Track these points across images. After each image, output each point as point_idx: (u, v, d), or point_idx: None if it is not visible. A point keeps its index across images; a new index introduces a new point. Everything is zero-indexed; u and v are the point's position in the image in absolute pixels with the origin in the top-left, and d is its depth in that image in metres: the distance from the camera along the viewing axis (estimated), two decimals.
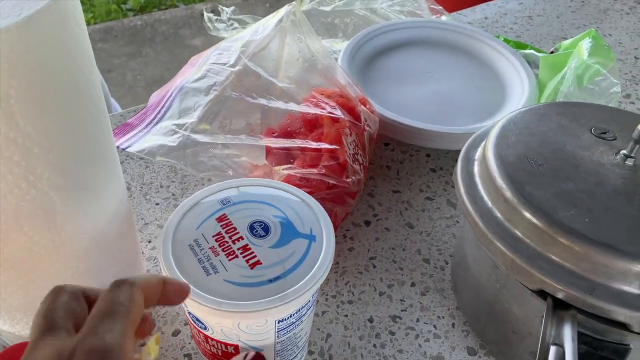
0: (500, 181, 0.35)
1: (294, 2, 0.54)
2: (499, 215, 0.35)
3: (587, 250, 0.30)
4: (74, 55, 0.27)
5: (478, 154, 0.39)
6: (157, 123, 0.43)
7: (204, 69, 0.47)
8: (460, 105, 0.61)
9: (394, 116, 0.57)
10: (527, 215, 0.33)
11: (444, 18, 0.74)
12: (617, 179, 0.34)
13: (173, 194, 0.52)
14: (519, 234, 0.33)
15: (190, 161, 0.41)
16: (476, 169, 0.38)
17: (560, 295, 0.31)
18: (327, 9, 0.74)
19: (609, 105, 0.58)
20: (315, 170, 0.45)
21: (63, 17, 0.26)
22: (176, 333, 0.41)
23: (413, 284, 0.46)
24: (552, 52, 0.65)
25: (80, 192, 0.30)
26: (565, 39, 0.72)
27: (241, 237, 0.33)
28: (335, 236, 0.49)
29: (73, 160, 0.29)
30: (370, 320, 0.43)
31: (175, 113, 0.43)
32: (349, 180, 0.46)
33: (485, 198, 0.36)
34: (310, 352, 0.41)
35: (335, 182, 0.45)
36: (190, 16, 2.40)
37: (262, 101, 0.46)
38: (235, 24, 0.75)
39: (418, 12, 0.72)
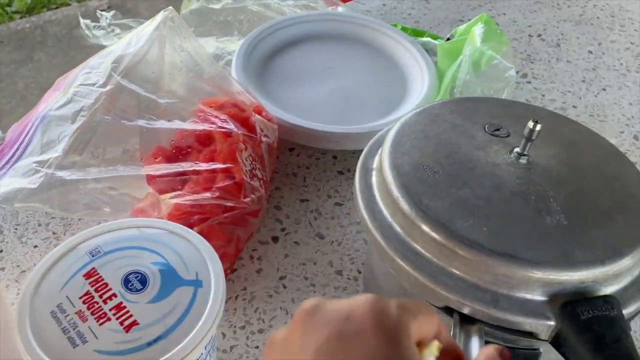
0: (396, 193, 0.33)
1: (170, 7, 0.49)
2: (399, 230, 0.33)
3: (487, 261, 0.29)
4: None
5: (376, 163, 0.37)
6: (15, 162, 0.37)
7: (70, 93, 0.42)
8: (363, 100, 0.59)
9: (295, 120, 0.54)
10: (426, 229, 0.31)
11: (340, 9, 0.71)
12: (512, 179, 0.34)
13: (54, 233, 0.46)
14: (420, 249, 0.32)
15: (58, 203, 0.36)
16: (374, 179, 0.36)
17: (465, 311, 0.30)
18: (217, 6, 0.69)
19: (506, 88, 0.58)
20: (208, 195, 0.41)
21: None
22: None
23: None
24: (448, 39, 0.64)
25: None
26: (462, 21, 0.71)
27: (114, 295, 0.28)
28: (241, 258, 0.47)
29: None
30: None
31: (36, 148, 0.38)
32: (247, 199, 0.43)
33: (385, 212, 0.34)
34: None
35: (232, 204, 0.42)
36: (85, 14, 2.23)
37: (141, 122, 0.42)
38: (117, 30, 0.69)
39: (312, 4, 0.69)
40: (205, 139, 0.45)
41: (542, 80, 0.69)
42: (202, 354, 0.29)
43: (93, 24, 0.68)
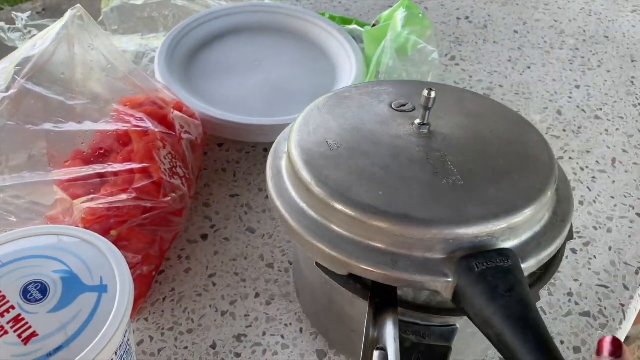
0: (300, 169, 0.33)
1: (78, 5, 0.47)
2: (303, 205, 0.33)
3: (383, 223, 0.29)
4: None
5: (286, 148, 0.37)
6: None
7: None
8: (293, 91, 0.59)
9: (222, 115, 0.53)
10: (325, 198, 0.31)
11: (267, 0, 0.71)
12: (412, 147, 0.34)
13: None
14: (322, 220, 0.32)
15: None
16: (283, 162, 0.36)
17: (365, 275, 0.30)
18: (139, 2, 0.67)
19: (431, 71, 0.59)
20: (124, 196, 0.40)
21: None
22: None
23: (257, 295, 0.43)
24: (374, 25, 0.64)
25: None
26: (392, 7, 0.72)
27: (12, 307, 0.27)
28: (168, 259, 0.46)
29: None
30: (213, 346, 0.40)
31: None
32: (167, 199, 0.42)
33: (291, 190, 0.34)
34: None
35: (152, 205, 0.41)
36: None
37: (48, 126, 0.40)
38: (35, 31, 0.66)
39: None
40: (125, 140, 0.44)
41: (469, 62, 0.71)
42: (112, 359, 0.29)
43: (8, 26, 0.65)
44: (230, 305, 0.42)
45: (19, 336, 0.26)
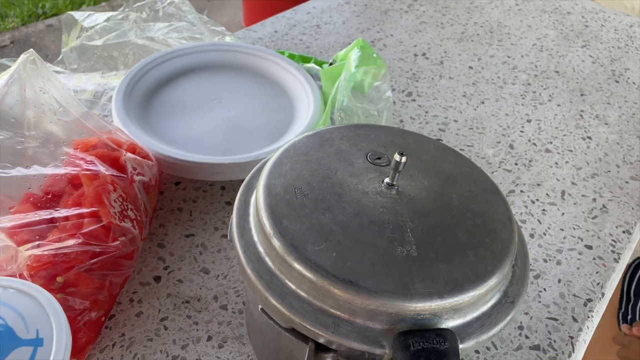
0: (262, 213, 0.33)
1: (31, 50, 0.47)
2: (260, 249, 0.33)
3: (330, 286, 0.30)
4: None
5: (257, 183, 0.37)
6: None
7: None
8: (252, 129, 0.60)
9: (177, 154, 0.53)
10: (280, 250, 0.31)
11: (227, 39, 0.72)
12: (376, 208, 0.34)
13: None
14: (274, 269, 0.32)
15: None
16: (253, 198, 0.36)
17: (307, 334, 0.30)
18: (99, 43, 0.68)
19: (385, 109, 0.60)
20: (72, 241, 0.39)
21: None
22: None
23: (209, 338, 0.43)
24: (331, 64, 0.66)
25: None
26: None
27: None
28: (119, 302, 0.45)
29: None
30: None
31: None
32: (116, 243, 0.41)
33: (252, 230, 0.34)
34: None
35: (100, 249, 0.40)
36: None
37: None
38: None
39: (198, 36, 0.69)
40: (78, 182, 0.44)
41: (426, 98, 0.73)
42: None
43: None
44: (182, 350, 0.42)
45: None
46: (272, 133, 0.60)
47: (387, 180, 0.35)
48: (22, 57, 0.47)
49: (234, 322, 0.44)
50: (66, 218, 0.41)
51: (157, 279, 0.47)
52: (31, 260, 0.38)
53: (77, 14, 0.66)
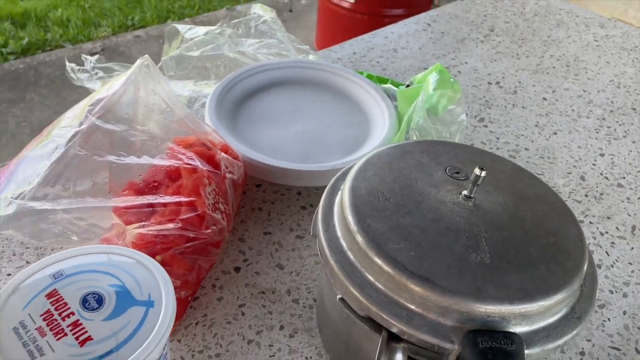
0: (347, 211, 0.37)
1: (146, 55, 0.54)
2: (343, 243, 0.36)
3: (407, 281, 0.32)
4: None
5: (343, 185, 0.41)
6: None
7: (51, 135, 0.46)
8: (329, 141, 0.64)
9: (262, 158, 0.58)
10: (362, 245, 0.34)
11: (310, 57, 0.77)
12: (453, 217, 0.36)
13: (27, 262, 0.49)
14: (355, 262, 0.35)
15: (30, 231, 0.39)
16: (337, 198, 0.40)
17: (381, 322, 0.33)
18: (196, 54, 0.74)
19: (458, 132, 0.63)
20: (171, 225, 0.44)
21: None
22: None
23: (282, 327, 0.46)
24: (408, 86, 0.69)
25: None
26: (426, 70, 0.77)
27: (72, 313, 0.31)
28: (203, 287, 0.49)
29: None
30: None
31: (13, 185, 0.41)
32: (208, 231, 0.46)
33: (336, 226, 0.37)
34: None
35: (194, 235, 0.45)
36: (78, 56, 2.30)
37: (111, 158, 0.45)
38: (101, 73, 0.73)
39: (285, 53, 0.75)
40: (174, 175, 0.49)
41: (497, 124, 0.74)
42: None
43: (78, 67, 0.72)
44: (256, 335, 0.46)
45: (77, 338, 0.30)
46: (348, 146, 0.63)
47: (465, 192, 0.38)
48: (138, 61, 0.53)
49: (304, 316, 0.47)
50: (165, 205, 0.46)
51: (237, 269, 0.51)
52: (136, 238, 0.43)
53: (180, 27, 0.73)
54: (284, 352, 0.44)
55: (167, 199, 0.45)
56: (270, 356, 0.44)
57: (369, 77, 0.74)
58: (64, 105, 1.98)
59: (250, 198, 0.59)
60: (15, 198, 0.40)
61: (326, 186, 0.52)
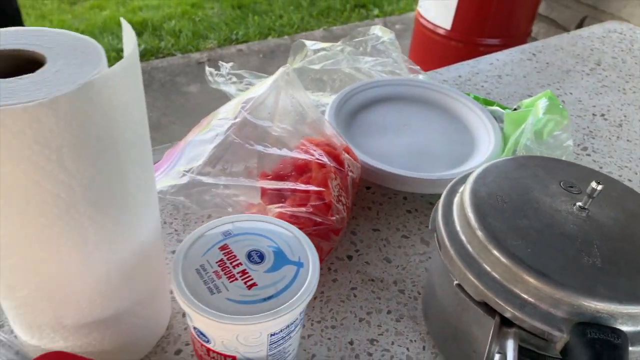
0: (468, 210, 0.42)
1: (288, 64, 0.62)
2: (462, 238, 0.41)
3: (523, 273, 0.37)
4: (120, 119, 0.33)
5: (461, 188, 0.46)
6: (169, 171, 0.49)
7: (210, 125, 0.55)
8: (434, 154, 0.69)
9: (375, 163, 0.64)
10: (482, 239, 0.39)
11: (420, 76, 0.83)
12: (567, 224, 0.40)
13: (175, 230, 0.58)
14: (474, 254, 0.40)
15: (196, 199, 0.48)
16: (456, 199, 0.45)
17: (496, 307, 0.37)
18: (317, 67, 0.83)
19: (563, 156, 0.66)
20: (303, 209, 0.51)
21: (115, 86, 0.32)
22: (178, 352, 0.46)
23: (389, 312, 0.52)
24: (515, 109, 0.73)
25: (112, 227, 0.36)
26: (530, 97, 0.80)
27: (240, 263, 0.39)
28: (321, 268, 0.56)
29: (108, 200, 0.35)
30: (351, 343, 0.49)
31: (184, 161, 0.50)
32: (333, 218, 0.52)
33: (456, 222, 0.43)
34: None
35: (321, 220, 0.52)
36: (187, 64, 2.50)
37: (259, 148, 0.53)
38: (234, 78, 0.83)
39: (397, 71, 0.81)
40: (301, 169, 0.56)
41: (601, 154, 0.76)
42: (297, 318, 0.39)
43: (215, 72, 0.83)
44: (367, 315, 0.51)
45: (245, 283, 0.37)
46: (452, 161, 0.68)
47: (579, 204, 0.42)
48: (281, 69, 0.61)
49: (409, 305, 0.52)
50: (295, 191, 0.53)
51: (349, 257, 0.57)
52: (276, 216, 0.50)
53: (308, 42, 0.81)
54: (391, 333, 0.50)
55: (302, 186, 0.52)
56: (378, 334, 0.50)
57: (476, 98, 0.78)
58: (172, 109, 2.17)
59: (360, 198, 0.66)
60: (187, 172, 0.49)
61: (429, 194, 0.57)
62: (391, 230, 0.61)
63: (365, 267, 0.56)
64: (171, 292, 0.49)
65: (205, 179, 0.48)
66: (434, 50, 2.32)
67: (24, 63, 0.34)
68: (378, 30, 0.83)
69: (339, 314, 0.51)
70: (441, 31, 2.38)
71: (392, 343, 0.49)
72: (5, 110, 0.28)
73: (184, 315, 0.49)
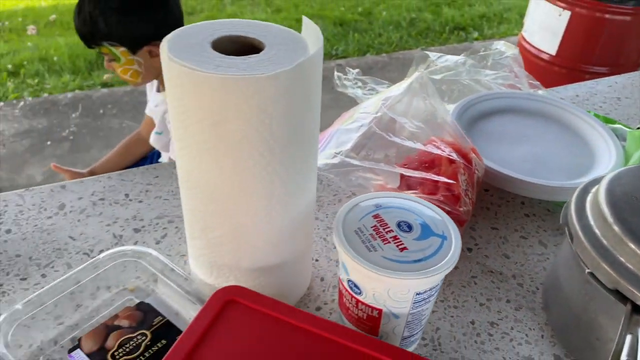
0: (604, 207, 0.45)
1: (423, 70, 0.68)
2: (597, 231, 0.45)
3: None
4: (311, 97, 0.41)
5: (594, 189, 0.50)
6: (321, 152, 0.57)
7: (354, 117, 0.62)
8: (552, 165, 0.71)
9: (499, 167, 0.68)
10: (618, 233, 0.42)
11: (540, 92, 0.85)
12: None
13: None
14: (608, 246, 0.43)
15: (343, 178, 0.54)
16: (589, 197, 0.49)
17: (629, 295, 0.40)
18: (438, 77, 0.88)
19: None
20: (435, 197, 0.56)
21: (313, 68, 0.40)
22: (318, 309, 0.53)
23: (508, 301, 0.55)
24: (638, 128, 0.74)
25: (291, 186, 0.43)
26: None
27: (391, 230, 0.45)
28: None
29: (294, 163, 0.42)
30: (472, 322, 0.53)
31: (334, 145, 0.57)
32: (461, 209, 0.57)
33: (589, 217, 0.46)
34: (423, 339, 0.51)
35: (450, 210, 0.57)
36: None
37: (397, 140, 0.59)
38: (359, 83, 0.90)
39: (518, 85, 0.84)
40: (432, 162, 0.62)
41: None
42: (438, 284, 0.44)
43: (343, 76, 0.90)
44: (487, 301, 0.55)
45: (397, 246, 0.43)
46: (570, 172, 0.70)
47: None
48: (416, 74, 0.67)
49: (527, 297, 0.56)
50: (426, 180, 0.59)
51: (469, 250, 0.61)
52: None
53: (431, 54, 0.87)
54: (510, 320, 0.53)
55: (436, 177, 0.58)
56: (498, 319, 0.53)
57: (596, 116, 0.80)
58: None
59: (479, 199, 0.69)
60: (337, 153, 0.56)
61: (547, 200, 0.61)
62: (509, 230, 0.64)
63: (484, 259, 0.60)
64: (313, 259, 0.56)
65: (353, 161, 0.55)
66: (536, 74, 2.29)
67: (242, 47, 0.42)
68: (501, 46, 0.87)
69: (460, 297, 0.55)
70: (545, 56, 2.34)
71: (512, 328, 0.52)
72: (244, 79, 0.36)
73: (322, 279, 0.56)
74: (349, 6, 3.62)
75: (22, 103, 2.39)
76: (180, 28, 0.42)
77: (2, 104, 2.37)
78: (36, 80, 2.54)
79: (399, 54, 3.04)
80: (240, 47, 0.42)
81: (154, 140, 1.15)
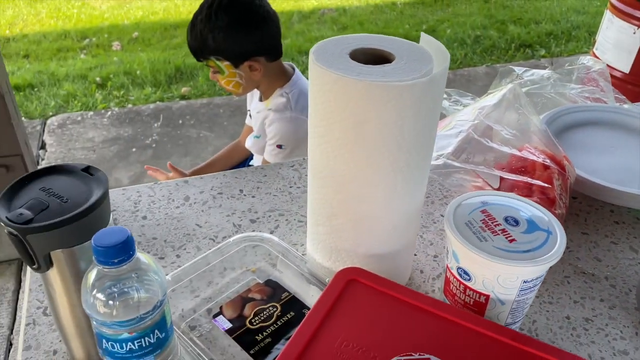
0: None
1: (516, 83, 0.72)
2: None
3: None
4: (433, 106, 0.47)
5: None
6: None
7: (451, 125, 0.67)
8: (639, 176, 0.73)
9: (589, 176, 0.71)
10: None
11: (626, 106, 0.87)
12: None
13: None
14: None
15: (444, 177, 0.59)
16: None
17: None
18: (523, 90, 0.91)
19: None
20: (531, 200, 0.60)
21: (440, 81, 0.46)
22: None
23: (602, 300, 0.58)
24: None
25: (411, 182, 0.49)
26: None
27: (499, 224, 0.49)
28: None
29: (416, 161, 0.48)
30: (567, 317, 0.56)
31: (435, 149, 0.63)
32: (557, 212, 0.61)
33: None
34: (521, 329, 0.55)
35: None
36: None
37: (494, 145, 0.64)
38: (445, 95, 0.95)
39: (604, 99, 0.87)
40: (527, 167, 0.66)
41: None
42: (542, 274, 0.48)
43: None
44: (581, 299, 0.58)
45: (506, 237, 0.48)
46: None
47: None
48: (510, 86, 0.72)
49: (621, 298, 0.58)
50: (524, 183, 0.63)
51: None
52: None
53: (517, 68, 0.91)
54: (604, 317, 0.56)
55: (529, 180, 0.62)
56: (593, 316, 0.56)
57: None
58: None
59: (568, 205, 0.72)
60: (440, 155, 0.61)
61: (636, 209, 0.63)
62: (599, 236, 0.67)
63: (576, 261, 0.63)
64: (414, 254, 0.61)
65: (456, 163, 0.60)
66: None
67: (374, 57, 0.48)
68: (588, 60, 0.89)
69: (554, 294, 0.59)
70: (618, 74, 2.30)
71: (606, 325, 0.55)
72: (386, 85, 0.43)
73: (421, 271, 0.61)
74: (414, 24, 3.67)
75: (109, 113, 2.59)
76: (322, 41, 0.49)
77: (92, 113, 2.58)
78: (121, 92, 2.74)
79: (464, 70, 3.06)
80: (372, 57, 0.48)
81: (250, 144, 1.24)
